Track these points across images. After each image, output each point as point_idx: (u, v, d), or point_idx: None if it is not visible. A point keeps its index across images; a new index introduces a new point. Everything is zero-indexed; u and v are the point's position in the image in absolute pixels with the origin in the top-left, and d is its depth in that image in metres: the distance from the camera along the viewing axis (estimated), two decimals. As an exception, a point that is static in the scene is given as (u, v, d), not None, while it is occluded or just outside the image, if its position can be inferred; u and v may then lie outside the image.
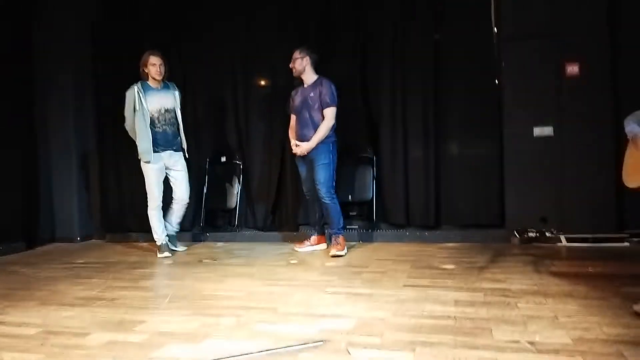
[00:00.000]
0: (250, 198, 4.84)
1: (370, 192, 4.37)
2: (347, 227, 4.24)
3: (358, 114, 4.41)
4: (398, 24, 4.32)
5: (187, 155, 4.08)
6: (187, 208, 4.16)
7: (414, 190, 4.34)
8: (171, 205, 4.09)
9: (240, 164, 4.80)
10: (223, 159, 4.78)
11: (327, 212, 3.76)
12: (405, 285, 2.68)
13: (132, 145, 4.89)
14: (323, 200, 3.72)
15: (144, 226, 4.86)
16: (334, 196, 3.75)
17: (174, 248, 4.11)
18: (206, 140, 4.91)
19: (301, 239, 4.03)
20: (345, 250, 3.71)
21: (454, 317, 2.10)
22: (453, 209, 4.28)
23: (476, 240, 4.02)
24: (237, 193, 4.77)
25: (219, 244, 4.45)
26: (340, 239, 3.74)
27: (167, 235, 4.06)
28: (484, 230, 4.11)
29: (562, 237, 3.77)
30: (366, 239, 4.26)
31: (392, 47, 4.34)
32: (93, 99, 5.15)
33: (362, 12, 4.45)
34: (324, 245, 3.97)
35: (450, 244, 4.00)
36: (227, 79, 4.82)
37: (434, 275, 2.90)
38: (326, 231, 3.99)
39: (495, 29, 4.13)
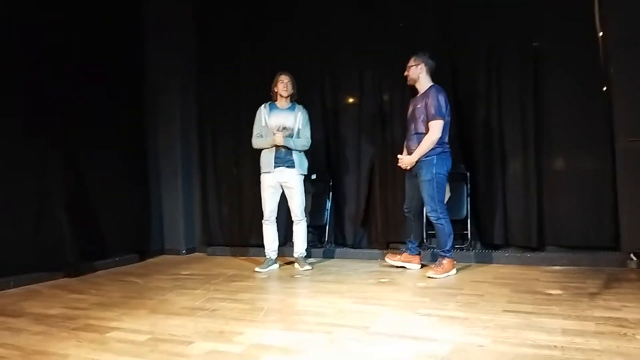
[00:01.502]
0: (340, 215, 4.89)
1: (465, 210, 4.20)
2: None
3: (450, 127, 4.26)
4: (492, 30, 4.16)
5: (304, 172, 4.12)
6: (305, 226, 4.17)
7: (512, 208, 4.10)
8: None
9: (330, 181, 4.88)
10: (313, 176, 4.89)
11: (436, 231, 3.60)
12: (505, 311, 2.53)
13: (230, 163, 5.25)
14: (430, 218, 3.59)
15: (240, 240, 5.16)
16: (441, 215, 3.52)
17: (270, 266, 4.13)
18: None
19: (395, 253, 3.97)
20: (445, 275, 3.49)
21: (562, 347, 1.94)
22: (558, 228, 3.97)
23: (586, 263, 3.68)
24: (328, 210, 4.84)
25: (310, 260, 4.53)
26: (446, 261, 3.51)
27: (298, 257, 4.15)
28: (594, 252, 3.76)
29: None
30: (460, 259, 4.09)
31: (487, 55, 4.19)
32: (197, 120, 5.55)
33: (452, 17, 4.34)
34: (416, 266, 3.85)
35: (556, 267, 3.70)
36: (315, 95, 4.92)
37: (538, 301, 2.70)
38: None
39: (601, 33, 3.81)
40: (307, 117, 4.15)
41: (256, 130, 4.14)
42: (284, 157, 4.03)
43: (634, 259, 3.53)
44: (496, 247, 4.17)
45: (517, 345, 1.99)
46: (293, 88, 4.10)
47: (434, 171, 3.52)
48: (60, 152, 4.26)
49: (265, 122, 4.08)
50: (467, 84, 4.30)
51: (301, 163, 4.09)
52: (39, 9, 4.09)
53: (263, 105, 4.17)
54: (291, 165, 4.04)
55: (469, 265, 3.94)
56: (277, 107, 4.12)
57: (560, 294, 2.83)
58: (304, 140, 4.10)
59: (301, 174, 4.10)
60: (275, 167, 4.03)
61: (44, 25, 4.13)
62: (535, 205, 4.00)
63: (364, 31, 4.66)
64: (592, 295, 2.77)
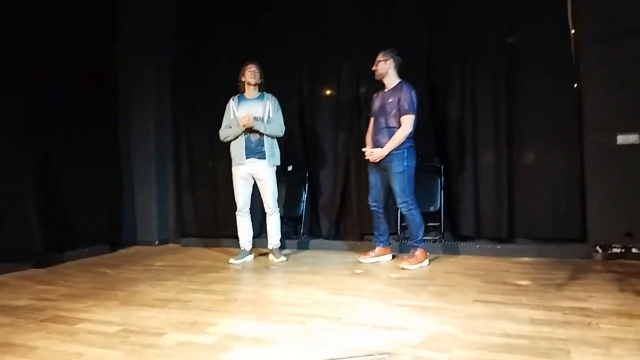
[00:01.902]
0: (316, 207, 4.89)
1: (438, 202, 4.26)
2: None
3: (424, 121, 4.29)
4: (468, 26, 4.20)
5: (276, 163, 4.07)
6: (278, 217, 4.15)
7: (484, 201, 4.18)
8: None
9: (306, 172, 4.87)
10: (289, 167, 4.88)
11: (407, 223, 3.66)
12: (475, 301, 2.58)
13: (205, 154, 5.19)
14: (400, 210, 3.64)
15: (215, 231, 5.12)
16: (412, 207, 3.60)
17: (244, 259, 4.11)
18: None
19: (365, 250, 4.00)
20: (418, 266, 3.55)
21: (529, 336, 1.99)
22: (528, 221, 4.06)
23: (554, 255, 3.78)
24: (303, 202, 4.84)
25: (285, 251, 4.52)
26: (418, 252, 3.59)
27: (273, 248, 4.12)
28: (562, 244, 3.86)
29: (652, 254, 3.47)
30: (432, 250, 4.14)
31: (462, 50, 4.23)
32: (171, 112, 5.46)
33: (431, 14, 4.36)
34: (388, 257, 3.91)
35: (525, 259, 3.79)
36: (293, 87, 4.90)
37: (507, 291, 2.77)
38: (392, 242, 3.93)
39: (573, 30, 3.90)
40: (277, 104, 4.09)
41: (225, 122, 4.10)
42: (254, 148, 3.98)
43: (600, 252, 3.65)
44: (467, 239, 4.24)
45: (487, 334, 2.04)
46: (261, 77, 4.05)
47: (405, 164, 3.59)
48: (28, 142, 4.14)
49: (234, 114, 4.03)
50: (442, 79, 4.34)
51: (273, 154, 4.04)
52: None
53: (232, 98, 4.12)
54: (262, 156, 3.98)
55: (441, 257, 4.00)
56: (245, 98, 4.08)
57: (529, 285, 2.90)
58: (276, 125, 4.03)
59: (273, 165, 4.06)
60: (246, 158, 3.98)
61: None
62: (506, 198, 4.08)
63: (346, 27, 4.65)
64: (559, 286, 2.85)
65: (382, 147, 3.64)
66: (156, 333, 2.22)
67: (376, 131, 3.72)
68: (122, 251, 5.00)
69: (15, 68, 4.02)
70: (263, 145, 3.98)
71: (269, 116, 4.01)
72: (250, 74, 4.00)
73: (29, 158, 4.13)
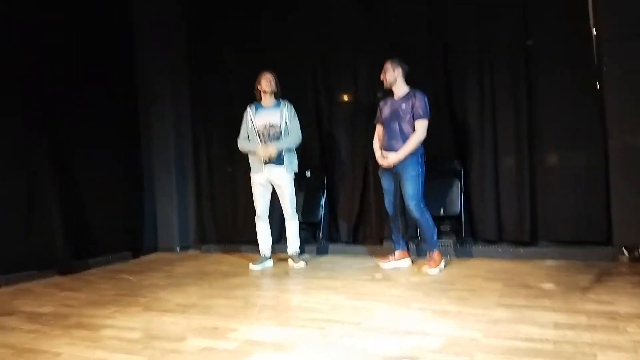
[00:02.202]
0: (335, 212, 4.89)
1: (458, 206, 4.21)
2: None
3: (443, 124, 4.26)
4: (486, 27, 4.17)
5: (293, 169, 4.08)
6: (297, 223, 4.15)
7: (505, 204, 4.11)
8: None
9: (324, 178, 4.88)
10: (308, 173, 4.89)
11: (419, 227, 3.67)
12: (497, 305, 2.54)
13: (224, 161, 5.24)
14: (412, 215, 3.63)
15: (235, 237, 5.16)
16: (424, 210, 3.63)
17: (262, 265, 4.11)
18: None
19: (385, 255, 3.98)
20: (439, 268, 3.56)
21: (553, 340, 1.95)
22: (551, 224, 3.98)
23: (578, 258, 3.70)
24: (322, 207, 4.84)
25: (304, 256, 4.52)
26: (435, 254, 3.62)
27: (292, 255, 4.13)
28: (586, 247, 3.78)
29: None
30: (453, 254, 4.10)
31: (480, 52, 4.19)
32: (190, 118, 5.53)
33: (446, 14, 4.33)
34: (407, 261, 3.88)
35: (548, 262, 3.72)
36: (309, 93, 4.91)
37: (530, 295, 2.72)
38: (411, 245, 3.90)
39: (594, 29, 3.83)
40: (293, 111, 4.11)
41: (243, 132, 4.15)
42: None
43: (626, 254, 3.55)
44: (489, 243, 4.18)
45: (509, 339, 2.01)
46: (277, 85, 4.08)
47: (419, 168, 3.63)
48: (52, 150, 4.23)
49: (252, 123, 4.07)
50: (461, 82, 4.30)
51: (290, 161, 4.06)
52: (38, 9, 4.10)
53: (249, 106, 4.16)
54: (280, 163, 4.01)
55: (462, 260, 3.95)
56: (262, 106, 4.11)
57: (553, 288, 2.85)
58: (294, 135, 4.05)
59: (291, 172, 4.08)
60: (264, 165, 4.01)
61: (41, 24, 4.13)
62: (528, 200, 4.01)
63: (362, 29, 4.65)
64: (584, 289, 2.79)
65: (396, 151, 3.65)
66: (178, 339, 2.24)
67: (390, 136, 3.74)
68: (144, 258, 5.07)
69: (35, 72, 4.11)
70: (281, 153, 4.01)
71: (285, 124, 4.03)
72: (266, 82, 4.03)
73: (51, 167, 4.21)
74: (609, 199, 3.71)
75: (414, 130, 3.63)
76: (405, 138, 3.64)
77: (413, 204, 3.59)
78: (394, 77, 3.74)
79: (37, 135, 4.13)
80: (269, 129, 4.02)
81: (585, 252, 3.73)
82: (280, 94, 4.16)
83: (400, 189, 3.70)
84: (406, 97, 3.71)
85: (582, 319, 2.21)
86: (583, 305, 2.44)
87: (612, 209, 3.68)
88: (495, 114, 4.16)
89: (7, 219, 3.87)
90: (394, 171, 3.72)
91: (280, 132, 4.03)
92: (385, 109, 3.82)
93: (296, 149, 4.15)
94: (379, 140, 3.89)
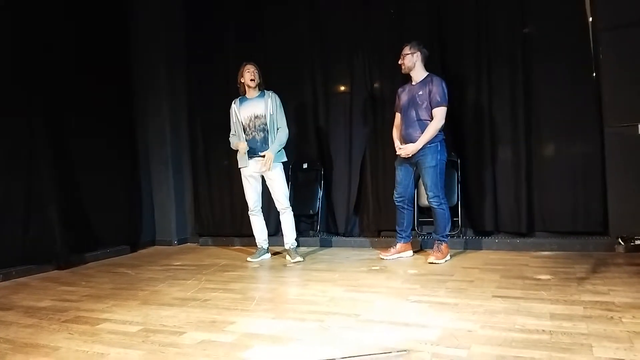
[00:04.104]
0: (332, 204, 4.89)
1: (455, 197, 4.21)
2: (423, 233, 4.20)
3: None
4: (482, 17, 4.14)
5: (281, 160, 4.04)
6: (291, 215, 4.10)
7: (502, 195, 4.12)
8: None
9: (321, 170, 4.87)
10: (305, 165, 4.88)
11: (435, 217, 3.63)
12: (494, 296, 2.55)
13: (220, 156, 5.22)
14: (431, 205, 3.60)
15: (232, 230, 5.16)
16: (442, 201, 3.59)
17: (259, 258, 4.13)
18: (288, 147, 5.02)
19: (387, 246, 3.98)
20: (445, 259, 3.58)
21: (550, 331, 1.96)
22: (548, 214, 4.00)
23: (574, 248, 3.72)
24: (319, 199, 4.84)
25: (301, 249, 4.53)
26: (443, 246, 3.61)
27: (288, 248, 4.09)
28: (583, 237, 3.80)
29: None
30: (451, 246, 4.09)
31: (477, 41, 4.17)
32: (187, 112, 5.51)
33: (446, 6, 4.30)
34: (409, 253, 3.88)
35: (545, 253, 3.74)
36: (306, 85, 4.89)
37: (527, 286, 2.73)
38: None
39: (591, 19, 3.81)
40: (279, 102, 4.05)
41: (232, 128, 4.13)
42: (259, 148, 3.98)
43: (622, 244, 3.57)
44: (486, 234, 4.20)
45: (506, 330, 2.02)
46: (260, 77, 4.03)
47: (439, 157, 3.56)
48: (49, 144, 4.22)
49: (237, 118, 4.04)
50: (457, 71, 4.28)
51: (277, 152, 4.00)
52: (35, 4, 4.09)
53: (233, 101, 4.11)
54: None
55: (460, 252, 3.97)
56: (246, 99, 4.07)
57: (549, 279, 2.86)
58: (281, 133, 3.99)
59: (279, 162, 4.02)
60: (250, 158, 4.00)
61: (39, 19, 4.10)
62: (524, 191, 4.02)
63: (360, 21, 4.62)
64: (580, 279, 2.80)
65: (413, 140, 3.58)
66: (176, 332, 2.24)
67: (407, 125, 3.66)
68: (142, 251, 5.07)
69: (33, 67, 4.10)
70: (268, 144, 3.97)
71: (270, 114, 3.98)
72: (249, 75, 3.98)
73: (49, 162, 4.20)
74: (606, 190, 3.72)
75: (431, 117, 3.56)
76: (423, 126, 3.56)
77: (432, 195, 3.57)
78: (413, 62, 3.64)
79: (35, 131, 4.10)
80: (254, 121, 3.98)
81: (582, 242, 3.75)
82: (264, 85, 4.10)
83: (418, 179, 3.65)
84: (423, 83, 3.62)
85: (579, 310, 2.22)
86: (579, 296, 2.45)
87: (609, 200, 3.70)
88: (492, 104, 4.16)
89: (5, 213, 3.86)
90: (413, 161, 3.65)
91: (266, 123, 3.97)
92: (403, 96, 3.73)
93: (293, 139, 4.09)
94: (397, 129, 3.81)
